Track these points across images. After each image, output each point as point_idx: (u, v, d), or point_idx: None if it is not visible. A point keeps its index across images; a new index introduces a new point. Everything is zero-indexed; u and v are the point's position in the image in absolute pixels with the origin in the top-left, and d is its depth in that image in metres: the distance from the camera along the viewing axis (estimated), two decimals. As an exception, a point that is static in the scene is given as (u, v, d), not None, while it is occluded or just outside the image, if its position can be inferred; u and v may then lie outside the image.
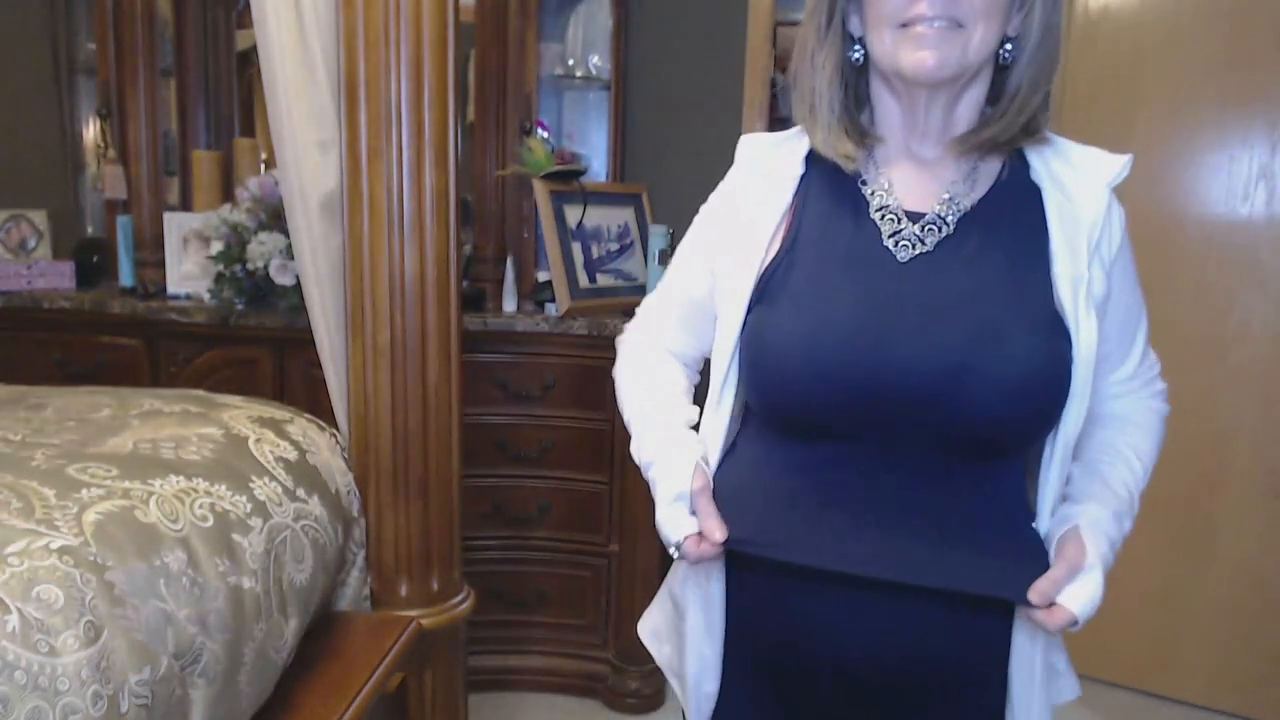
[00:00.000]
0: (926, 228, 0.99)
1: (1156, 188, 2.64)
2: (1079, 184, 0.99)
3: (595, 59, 2.83)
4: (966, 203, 0.99)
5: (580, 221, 2.60)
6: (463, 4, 2.56)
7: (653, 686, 2.63)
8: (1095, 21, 2.66)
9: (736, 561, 1.06)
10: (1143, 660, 2.80)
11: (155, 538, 1.16)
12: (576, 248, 2.59)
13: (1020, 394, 0.92)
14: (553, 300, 2.54)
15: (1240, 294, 2.57)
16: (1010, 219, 0.99)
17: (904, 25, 0.92)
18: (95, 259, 2.90)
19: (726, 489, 1.04)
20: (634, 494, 2.51)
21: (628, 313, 2.50)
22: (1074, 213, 0.98)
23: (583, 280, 2.58)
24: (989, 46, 0.93)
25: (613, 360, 2.60)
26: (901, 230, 0.99)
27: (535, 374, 2.52)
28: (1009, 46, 0.95)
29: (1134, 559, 2.73)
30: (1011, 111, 0.96)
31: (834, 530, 0.97)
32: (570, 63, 2.83)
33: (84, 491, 1.17)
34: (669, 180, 2.89)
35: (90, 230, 3.04)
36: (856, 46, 1.00)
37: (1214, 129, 2.56)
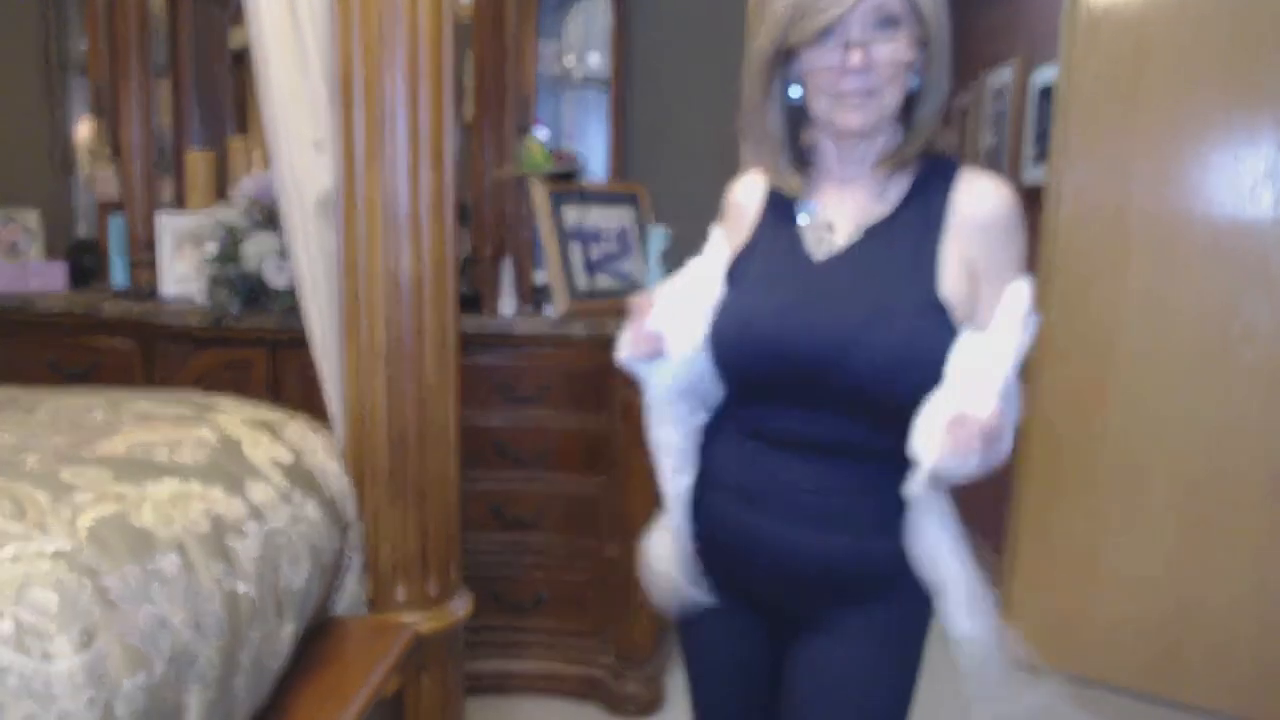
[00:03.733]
0: (840, 236, 1.28)
1: (1161, 188, 2.63)
2: (975, 209, 1.24)
3: (594, 58, 2.82)
4: (874, 217, 1.27)
5: (579, 222, 2.59)
6: (460, 3, 2.55)
7: (652, 690, 2.61)
8: (1098, 21, 2.66)
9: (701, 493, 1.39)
10: (1144, 663, 2.79)
11: (149, 542, 1.14)
12: (575, 248, 2.57)
13: (897, 362, 1.18)
14: (551, 301, 2.53)
15: (1246, 295, 2.56)
16: (907, 229, 1.25)
17: (836, 95, 1.21)
18: (88, 260, 2.88)
19: (708, 439, 1.39)
20: (633, 497, 2.50)
21: (627, 314, 2.50)
22: (968, 228, 1.23)
23: (581, 281, 2.57)
24: (898, 98, 1.21)
25: (611, 361, 2.58)
26: (821, 239, 1.28)
27: (533, 376, 2.51)
28: (915, 80, 1.22)
29: (1137, 560, 2.74)
30: (918, 134, 1.25)
31: (768, 467, 1.29)
32: (569, 62, 2.82)
33: (78, 495, 1.16)
34: (668, 181, 2.88)
35: (83, 231, 3.03)
36: (797, 85, 1.28)
37: (1220, 129, 2.55)
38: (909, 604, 1.30)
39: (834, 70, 1.19)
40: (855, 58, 1.17)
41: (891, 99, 1.21)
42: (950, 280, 1.21)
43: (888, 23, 1.17)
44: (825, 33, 1.18)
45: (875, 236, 1.26)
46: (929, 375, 1.18)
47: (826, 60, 1.19)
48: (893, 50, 1.17)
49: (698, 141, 2.86)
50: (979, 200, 1.23)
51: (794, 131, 1.33)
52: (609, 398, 2.51)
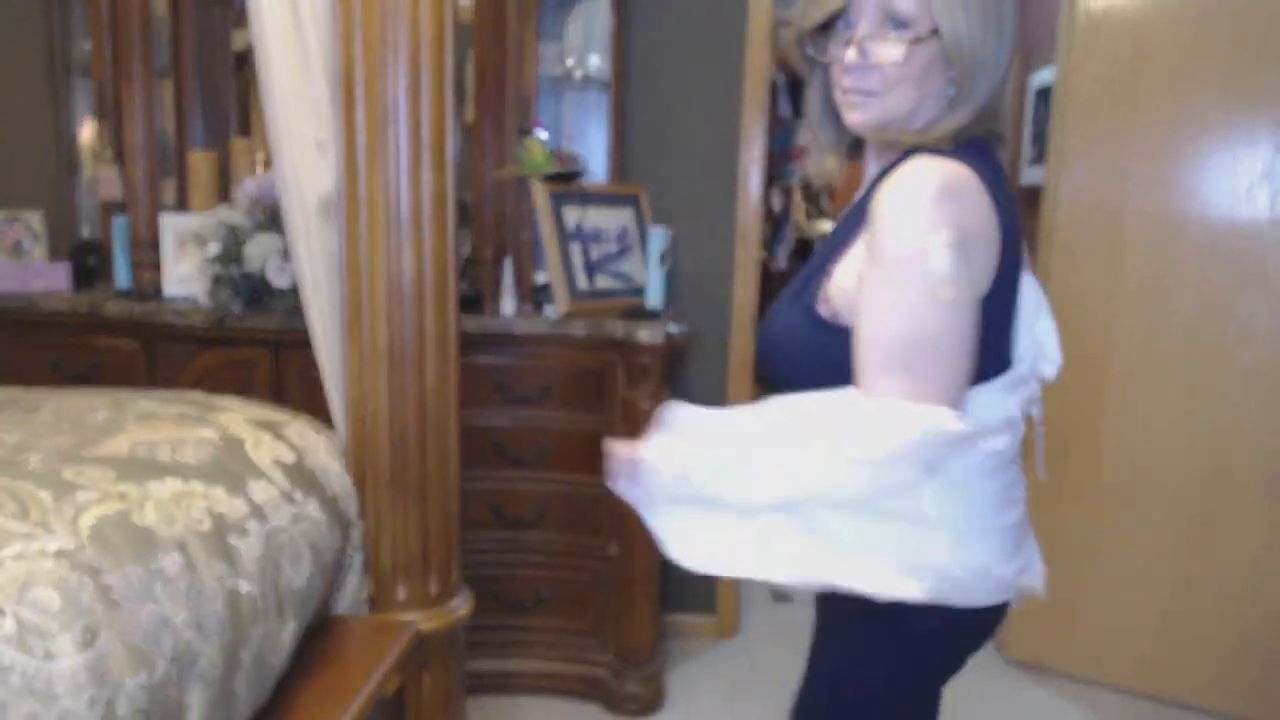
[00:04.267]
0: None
1: (1159, 189, 2.63)
2: (876, 199, 1.10)
3: (594, 59, 2.82)
4: (855, 206, 1.23)
5: (579, 223, 2.60)
6: (461, 4, 2.56)
7: (652, 689, 2.62)
8: (1097, 21, 2.66)
9: None
10: (1143, 663, 2.80)
11: (152, 541, 1.15)
12: (575, 249, 2.58)
13: (769, 354, 1.21)
14: (551, 302, 2.54)
15: (1244, 295, 2.56)
16: (849, 220, 1.21)
17: (840, 90, 1.17)
18: (91, 261, 2.89)
19: None
20: (633, 496, 2.50)
21: (627, 314, 2.51)
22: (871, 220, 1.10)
23: (581, 282, 2.57)
24: (905, 105, 1.13)
25: (611, 361, 2.60)
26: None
27: (534, 376, 2.52)
28: (950, 91, 1.13)
29: (1136, 561, 2.74)
30: (919, 134, 1.15)
31: None
32: (569, 63, 2.82)
33: (80, 494, 1.16)
34: (668, 181, 2.89)
35: (86, 232, 3.03)
36: None
37: (1217, 129, 2.55)
38: (864, 638, 1.24)
39: (839, 64, 1.16)
40: (849, 54, 1.13)
41: (897, 103, 1.13)
42: (840, 277, 1.14)
43: (896, 23, 1.10)
44: (837, 23, 1.15)
45: (840, 224, 1.25)
46: (796, 371, 1.17)
47: (834, 52, 1.16)
48: (892, 52, 1.10)
49: (697, 142, 2.87)
50: (883, 188, 1.10)
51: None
52: (609, 397, 2.52)
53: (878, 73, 1.12)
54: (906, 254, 1.03)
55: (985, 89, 1.12)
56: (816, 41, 1.18)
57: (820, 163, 1.28)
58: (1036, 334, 1.19)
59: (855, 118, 1.16)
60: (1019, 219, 1.16)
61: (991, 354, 1.12)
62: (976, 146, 1.14)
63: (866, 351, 1.06)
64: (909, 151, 1.14)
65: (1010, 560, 1.18)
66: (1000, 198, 1.10)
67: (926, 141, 1.13)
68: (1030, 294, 1.18)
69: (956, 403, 1.05)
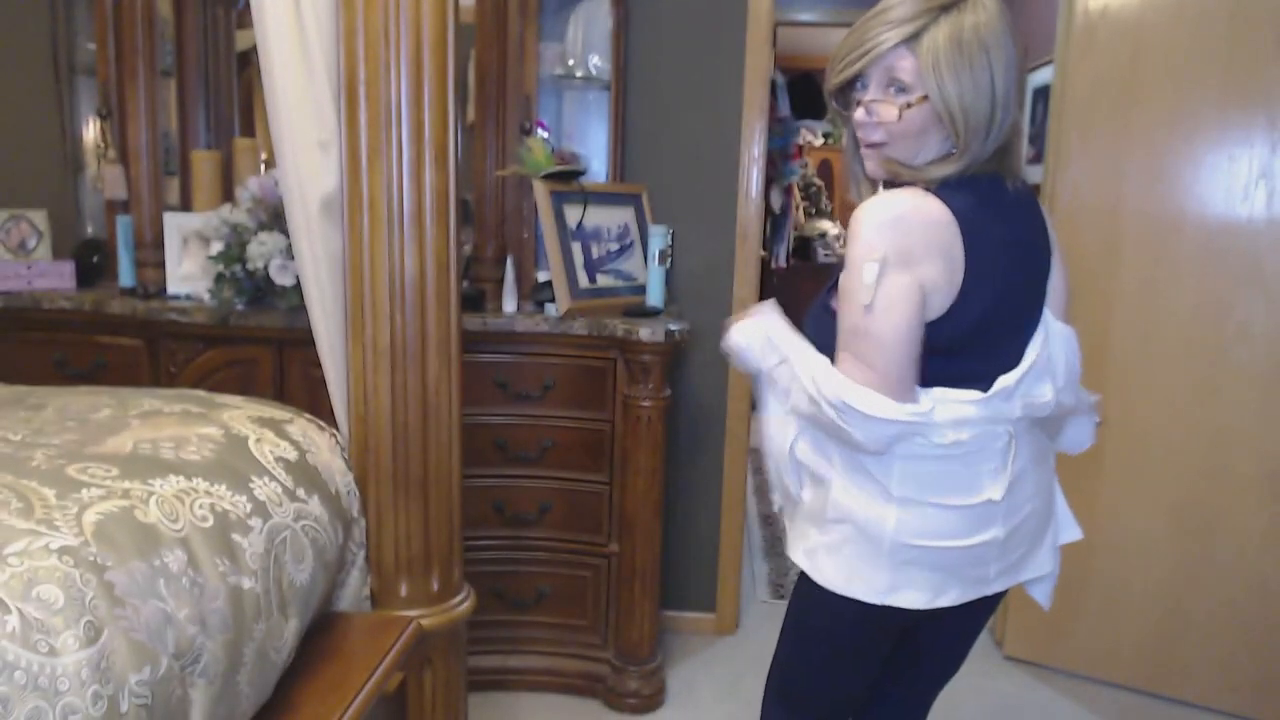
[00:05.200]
0: None
1: (1155, 188, 2.64)
2: None
3: (595, 59, 2.83)
4: None
5: (580, 222, 2.60)
6: (463, 4, 2.56)
7: (653, 686, 2.63)
8: (1094, 21, 2.66)
9: None
10: (1143, 660, 2.80)
11: (155, 538, 1.16)
12: (576, 248, 2.59)
13: (806, 330, 1.44)
14: (552, 300, 2.54)
15: (1240, 295, 2.56)
16: None
17: (863, 145, 1.39)
18: (95, 259, 2.90)
19: None
20: (633, 494, 2.52)
21: (628, 312, 2.52)
22: None
23: (583, 280, 2.58)
24: (905, 155, 1.34)
25: (612, 359, 2.61)
26: None
27: (535, 374, 2.53)
28: (947, 145, 1.32)
29: (1136, 559, 2.75)
30: (910, 173, 1.34)
31: None
32: (570, 63, 2.83)
33: (84, 491, 1.17)
34: (669, 180, 2.90)
35: (90, 230, 3.04)
36: None
37: (1213, 129, 2.55)
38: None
39: (857, 121, 1.36)
40: (859, 113, 1.35)
41: (899, 154, 1.34)
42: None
43: (898, 88, 1.30)
44: (852, 85, 1.35)
45: None
46: (818, 341, 1.40)
47: (855, 110, 1.37)
48: (891, 113, 1.30)
49: (698, 141, 2.88)
50: (856, 211, 1.34)
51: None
52: (610, 395, 2.53)
53: (882, 129, 1.33)
54: (855, 264, 1.27)
55: (982, 143, 1.30)
56: (840, 98, 1.39)
57: (859, 192, 1.45)
58: (1039, 359, 1.37)
59: (870, 167, 1.39)
60: (1028, 257, 1.37)
61: (960, 364, 1.32)
62: (976, 184, 1.32)
63: (838, 333, 1.33)
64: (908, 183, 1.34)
65: (964, 537, 1.36)
66: (982, 232, 1.28)
67: (920, 178, 1.32)
68: (1046, 331, 1.38)
69: (893, 381, 1.27)
